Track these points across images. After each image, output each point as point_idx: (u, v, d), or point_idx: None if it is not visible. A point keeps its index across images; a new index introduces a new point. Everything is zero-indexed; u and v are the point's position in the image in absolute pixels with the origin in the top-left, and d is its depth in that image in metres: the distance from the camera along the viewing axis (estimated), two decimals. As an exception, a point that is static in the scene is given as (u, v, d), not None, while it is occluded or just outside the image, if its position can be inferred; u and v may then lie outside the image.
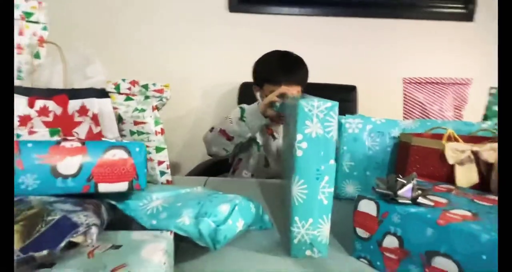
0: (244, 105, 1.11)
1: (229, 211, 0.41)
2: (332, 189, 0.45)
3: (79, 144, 0.37)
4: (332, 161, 0.45)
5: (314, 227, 0.46)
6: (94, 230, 0.33)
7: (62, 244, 0.30)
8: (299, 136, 0.44)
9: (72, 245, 0.32)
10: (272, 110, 0.94)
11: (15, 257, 0.29)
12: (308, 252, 0.47)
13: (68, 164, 0.36)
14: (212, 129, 1.07)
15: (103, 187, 0.38)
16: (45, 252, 0.30)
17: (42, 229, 0.31)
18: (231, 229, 0.40)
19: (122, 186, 0.39)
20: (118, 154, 0.39)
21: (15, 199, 0.34)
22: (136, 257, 0.33)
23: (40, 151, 0.36)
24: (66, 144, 0.37)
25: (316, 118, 0.43)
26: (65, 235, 0.31)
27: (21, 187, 0.35)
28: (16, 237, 0.30)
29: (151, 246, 0.35)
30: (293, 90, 1.05)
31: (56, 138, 0.52)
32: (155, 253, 0.33)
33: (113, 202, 0.42)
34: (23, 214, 0.32)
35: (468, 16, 1.55)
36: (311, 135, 0.43)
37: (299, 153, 0.44)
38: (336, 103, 0.43)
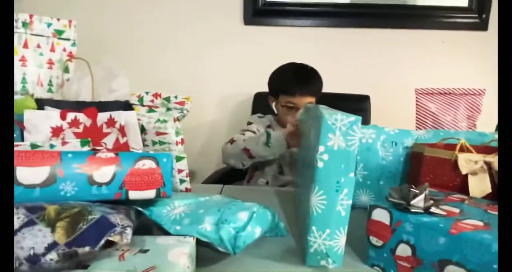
0: (270, 131, 1.13)
1: (248, 218, 0.43)
2: (350, 202, 0.45)
3: (113, 155, 0.40)
4: (352, 174, 0.44)
5: (331, 237, 0.45)
6: (129, 230, 0.35)
7: (102, 242, 0.33)
8: (321, 148, 0.44)
9: (108, 245, 0.34)
10: (294, 140, 0.93)
11: (60, 251, 0.31)
12: (323, 262, 0.47)
13: (103, 173, 0.39)
14: (232, 142, 1.08)
15: (133, 194, 0.40)
16: (87, 248, 0.32)
17: (84, 226, 0.33)
18: (250, 236, 0.41)
19: (150, 194, 0.41)
20: (147, 164, 0.41)
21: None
22: (163, 260, 0.35)
23: (79, 161, 0.38)
24: (102, 155, 0.40)
25: (339, 131, 0.43)
26: (104, 234, 0.33)
27: (61, 194, 0.37)
28: (61, 232, 0.32)
29: (176, 250, 0.37)
30: (306, 100, 1.07)
31: (86, 148, 0.55)
32: (181, 257, 0.35)
33: (139, 209, 0.44)
34: (68, 212, 0.35)
35: (482, 26, 1.53)
36: (333, 147, 0.43)
37: (320, 164, 0.44)
38: (359, 118, 0.43)
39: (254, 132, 1.15)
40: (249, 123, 1.21)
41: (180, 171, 0.70)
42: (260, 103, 1.38)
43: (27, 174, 0.37)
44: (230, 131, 1.63)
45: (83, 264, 0.34)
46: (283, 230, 0.54)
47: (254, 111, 1.42)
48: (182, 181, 0.71)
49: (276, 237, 0.55)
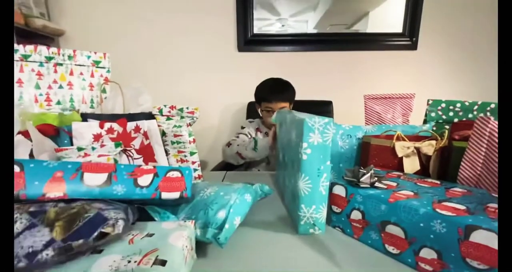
0: (257, 138, 1.13)
1: (226, 215, 0.40)
2: (328, 183, 0.45)
3: (151, 167, 0.40)
4: (328, 162, 0.44)
5: (316, 211, 0.45)
6: (121, 222, 0.32)
7: (95, 234, 0.29)
8: (304, 144, 0.43)
9: (103, 235, 0.30)
10: (274, 144, 0.91)
11: (56, 247, 0.28)
12: (311, 230, 0.46)
13: (145, 179, 0.38)
14: (229, 145, 1.06)
15: (164, 195, 0.39)
16: (80, 241, 0.29)
17: (80, 224, 0.30)
18: (229, 230, 0.39)
19: (176, 195, 0.40)
20: (175, 174, 0.41)
21: (61, 204, 0.33)
22: (165, 243, 0.32)
23: (128, 170, 0.38)
24: (144, 167, 0.40)
25: (317, 130, 0.43)
26: (98, 227, 0.30)
27: (113, 193, 0.36)
28: (58, 230, 0.29)
29: (176, 233, 0.34)
30: (281, 105, 1.07)
31: (119, 149, 0.54)
32: (179, 239, 0.33)
33: (150, 212, 0.43)
34: (67, 212, 0.31)
35: (412, 46, 1.54)
36: (314, 143, 0.43)
37: (304, 157, 0.43)
38: (332, 119, 0.43)
39: (246, 135, 1.14)
40: (242, 127, 1.20)
41: (193, 162, 0.70)
42: (251, 110, 1.38)
43: (91, 178, 0.36)
44: (231, 131, 1.63)
45: (98, 249, 0.31)
46: (269, 191, 0.52)
47: (247, 116, 1.42)
48: (195, 170, 0.70)
49: (265, 197, 0.53)
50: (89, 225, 0.30)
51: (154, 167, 0.40)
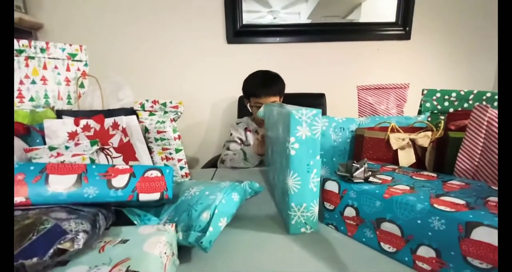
0: (237, 123, 1.09)
1: (210, 217, 0.37)
2: (319, 179, 0.43)
3: (127, 167, 0.37)
4: (318, 157, 0.42)
5: (307, 209, 0.43)
6: (81, 236, 0.27)
7: (50, 251, 0.25)
8: (292, 139, 0.40)
9: (62, 252, 0.26)
10: (261, 150, 0.89)
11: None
12: (303, 229, 0.44)
13: (120, 179, 0.35)
14: (222, 162, 0.99)
15: (143, 196, 0.36)
16: (35, 260, 0.24)
17: (34, 237, 0.26)
18: (213, 233, 0.36)
19: (156, 196, 0.37)
20: (154, 173, 0.38)
21: (17, 213, 0.29)
22: (138, 251, 0.29)
23: (101, 170, 0.35)
24: (119, 166, 0.36)
25: (305, 123, 0.40)
26: (54, 242, 0.26)
27: (84, 196, 0.33)
28: None
29: (153, 239, 0.31)
30: (270, 100, 1.03)
31: (95, 147, 0.50)
32: (156, 246, 0.30)
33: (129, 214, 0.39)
34: (19, 224, 0.27)
35: (406, 36, 1.52)
36: (302, 137, 0.41)
37: (292, 152, 0.41)
38: (320, 111, 0.41)
39: (236, 141, 1.08)
40: (231, 134, 1.13)
41: (179, 160, 0.67)
42: (243, 104, 1.34)
43: (58, 181, 0.33)
44: (222, 127, 1.60)
45: (63, 260, 0.27)
46: (259, 189, 0.49)
47: (239, 111, 1.38)
48: (181, 167, 0.68)
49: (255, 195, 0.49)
50: (44, 239, 0.26)
51: (131, 166, 0.37)
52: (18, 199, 0.31)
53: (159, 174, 0.38)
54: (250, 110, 1.13)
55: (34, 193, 0.32)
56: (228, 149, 1.07)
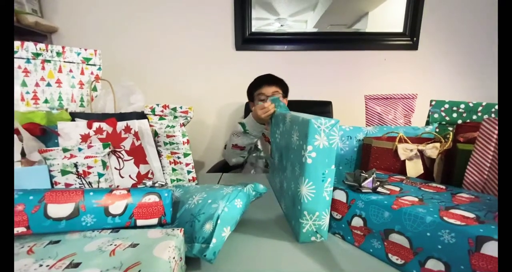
0: (242, 120, 1.09)
1: (212, 228, 0.37)
2: (332, 188, 0.42)
3: (125, 192, 0.37)
4: (333, 166, 0.41)
5: (319, 218, 0.43)
6: None
7: None
8: (309, 147, 0.40)
9: None
10: (262, 112, 0.81)
11: None
12: (313, 238, 0.44)
13: (117, 206, 0.36)
14: (225, 147, 1.01)
15: (140, 222, 0.37)
16: None
17: None
18: (217, 245, 0.36)
19: (154, 221, 0.37)
20: (152, 198, 0.38)
21: None
22: (149, 255, 0.29)
23: (98, 198, 0.35)
24: (117, 192, 0.36)
25: (323, 132, 0.40)
26: None
27: (82, 224, 0.34)
28: None
29: (162, 244, 0.31)
30: (272, 89, 1.01)
31: (107, 150, 0.51)
32: (165, 250, 0.30)
33: None
34: None
35: (413, 46, 1.53)
36: (319, 146, 0.40)
37: (309, 161, 0.40)
38: (338, 120, 0.40)
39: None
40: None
41: (187, 164, 0.67)
42: (249, 110, 1.34)
43: (56, 210, 0.34)
44: (228, 131, 1.60)
45: (74, 262, 0.28)
46: (263, 190, 0.48)
47: (245, 116, 1.39)
48: (189, 172, 0.68)
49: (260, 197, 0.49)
50: None
51: (129, 191, 0.37)
52: (19, 229, 0.32)
53: (157, 199, 0.38)
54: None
55: (34, 223, 0.33)
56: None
